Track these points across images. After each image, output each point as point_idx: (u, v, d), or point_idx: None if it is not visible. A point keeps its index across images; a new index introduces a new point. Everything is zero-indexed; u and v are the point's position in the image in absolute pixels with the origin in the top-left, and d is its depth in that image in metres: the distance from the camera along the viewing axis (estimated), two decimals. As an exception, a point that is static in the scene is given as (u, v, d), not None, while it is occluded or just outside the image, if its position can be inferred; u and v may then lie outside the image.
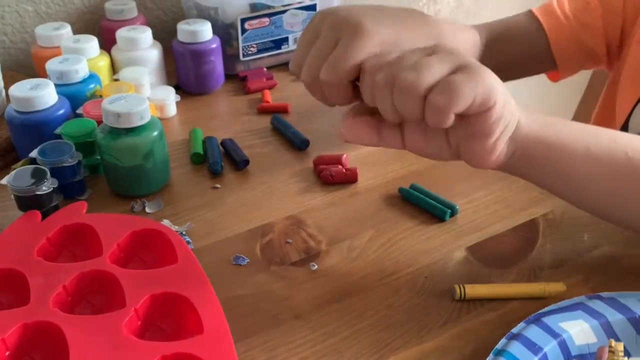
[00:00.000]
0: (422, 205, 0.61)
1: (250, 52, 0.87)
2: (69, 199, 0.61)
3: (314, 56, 0.47)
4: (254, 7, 0.84)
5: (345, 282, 0.52)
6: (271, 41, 0.88)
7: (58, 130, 0.63)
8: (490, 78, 0.42)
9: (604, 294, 0.47)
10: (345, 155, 0.67)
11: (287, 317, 0.49)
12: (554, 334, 0.44)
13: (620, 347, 0.41)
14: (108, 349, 0.42)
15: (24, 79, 0.66)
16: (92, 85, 0.70)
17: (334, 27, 0.47)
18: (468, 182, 0.64)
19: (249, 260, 0.55)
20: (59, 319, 0.44)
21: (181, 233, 0.57)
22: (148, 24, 0.87)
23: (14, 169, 0.58)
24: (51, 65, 0.68)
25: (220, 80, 0.84)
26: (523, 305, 0.49)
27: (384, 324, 0.48)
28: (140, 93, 0.74)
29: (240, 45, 0.85)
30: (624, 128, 0.68)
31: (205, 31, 0.79)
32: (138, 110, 0.59)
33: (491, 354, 0.43)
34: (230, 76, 0.87)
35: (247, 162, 0.68)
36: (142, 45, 0.78)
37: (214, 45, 0.81)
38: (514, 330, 0.44)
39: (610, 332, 0.44)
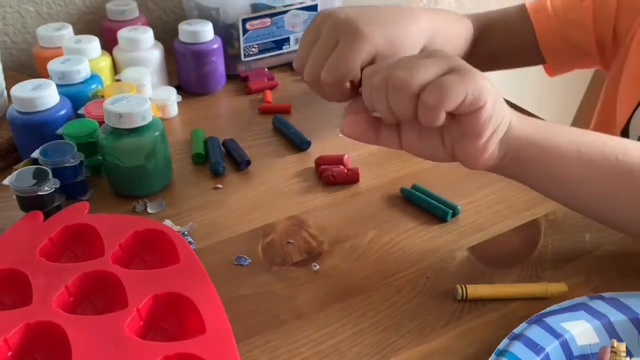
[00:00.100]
0: (423, 206, 0.61)
1: (251, 53, 0.87)
2: (70, 200, 0.61)
3: (315, 57, 0.49)
4: (255, 8, 0.84)
5: (347, 283, 0.52)
6: (272, 41, 0.88)
7: (60, 131, 0.63)
8: (482, 79, 0.43)
9: (606, 294, 0.47)
10: (346, 156, 0.67)
11: (289, 317, 0.49)
12: (556, 334, 0.44)
13: (622, 347, 0.41)
14: (110, 349, 0.42)
15: (26, 79, 0.66)
16: (93, 86, 0.70)
17: (333, 29, 0.48)
18: (469, 182, 0.64)
19: (250, 260, 0.55)
20: (61, 319, 0.44)
21: (183, 233, 0.57)
22: (149, 24, 0.87)
23: (16, 169, 0.58)
24: (53, 65, 0.68)
25: (222, 80, 0.84)
26: (525, 306, 0.49)
27: (385, 324, 0.48)
28: (142, 93, 0.74)
29: (242, 45, 0.85)
30: (625, 130, 0.68)
31: (206, 31, 0.79)
32: (140, 110, 0.59)
33: (493, 354, 0.43)
34: (231, 76, 0.87)
35: (248, 162, 0.68)
36: (144, 45, 0.78)
37: (215, 46, 0.81)
38: (516, 330, 0.45)
39: (612, 332, 0.44)
